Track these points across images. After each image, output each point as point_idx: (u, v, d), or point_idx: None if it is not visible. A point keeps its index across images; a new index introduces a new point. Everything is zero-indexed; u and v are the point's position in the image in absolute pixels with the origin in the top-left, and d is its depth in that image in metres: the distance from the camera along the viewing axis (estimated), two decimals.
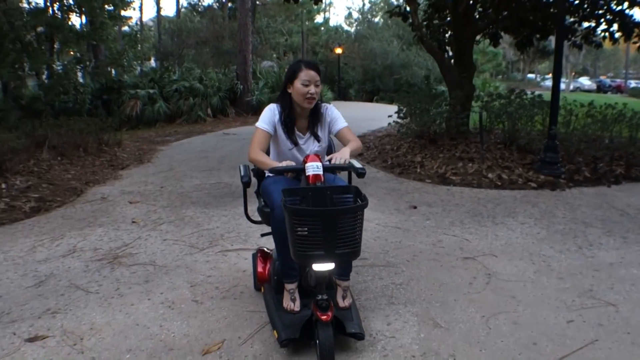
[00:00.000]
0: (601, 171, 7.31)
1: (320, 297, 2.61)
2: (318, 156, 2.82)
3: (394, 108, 10.17)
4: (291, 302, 2.91)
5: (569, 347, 2.82)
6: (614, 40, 9.99)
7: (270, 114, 3.11)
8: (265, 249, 3.44)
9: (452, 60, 10.25)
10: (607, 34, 9.97)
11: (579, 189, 6.69)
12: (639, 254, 4.29)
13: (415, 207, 5.72)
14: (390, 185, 6.89)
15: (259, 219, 3.28)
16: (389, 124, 10.38)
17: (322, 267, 2.54)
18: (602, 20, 9.85)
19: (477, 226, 5.03)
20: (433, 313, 3.19)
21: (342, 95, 29.60)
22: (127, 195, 6.31)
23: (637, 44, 10.01)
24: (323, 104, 3.24)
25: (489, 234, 4.77)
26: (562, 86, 54.69)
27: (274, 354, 2.71)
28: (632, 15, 9.56)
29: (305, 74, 3.00)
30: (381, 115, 12.79)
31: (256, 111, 18.16)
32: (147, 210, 5.64)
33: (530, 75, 64.01)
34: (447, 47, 11.45)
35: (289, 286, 2.95)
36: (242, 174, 3.10)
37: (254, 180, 3.23)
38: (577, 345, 2.83)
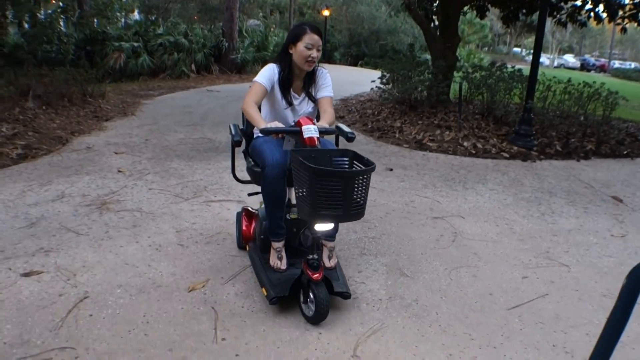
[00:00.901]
0: (572, 146, 7.61)
1: (311, 257, 2.70)
2: (311, 119, 2.89)
3: (377, 73, 10.33)
4: (278, 260, 3.01)
5: (521, 298, 3.12)
6: (599, 20, 10.14)
7: (270, 72, 3.12)
8: (250, 209, 3.52)
9: (438, 30, 10.39)
10: (592, 13, 10.14)
11: (549, 161, 6.98)
12: (596, 223, 4.60)
13: (391, 170, 5.97)
14: (369, 148, 7.10)
15: (247, 178, 3.38)
16: (372, 89, 10.56)
17: (326, 227, 2.64)
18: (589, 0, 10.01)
19: (449, 190, 5.30)
20: (401, 264, 3.47)
21: (327, 58, 29.49)
22: (112, 146, 6.45)
23: (621, 26, 10.19)
24: (319, 68, 3.30)
25: (459, 198, 5.05)
26: (547, 62, 54.80)
27: (253, 293, 2.96)
28: None
29: (310, 38, 3.03)
30: (365, 79, 12.95)
31: (240, 70, 18.13)
32: (133, 161, 5.80)
33: (516, 49, 64.10)
34: (434, 17, 11.55)
35: (276, 244, 3.03)
36: (233, 132, 3.19)
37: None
38: (528, 298, 3.13)
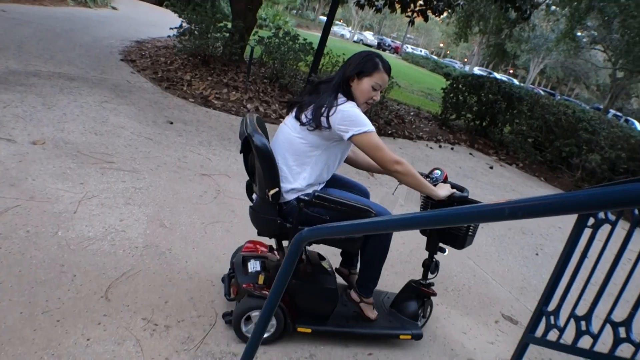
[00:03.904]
0: None
1: (424, 281, 3.02)
2: None
3: (179, 21, 10.20)
4: (376, 311, 2.92)
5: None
6: (393, 10, 11.10)
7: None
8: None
9: None
10: (388, 2, 11.05)
11: None
12: None
13: (171, 123, 6.10)
14: (154, 98, 7.12)
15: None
16: (169, 36, 10.42)
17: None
18: None
19: (222, 149, 5.66)
20: (162, 216, 3.75)
21: None
22: None
23: (410, 19, 11.26)
24: None
25: (230, 157, 5.44)
26: (348, 35, 58.09)
27: (13, 235, 3.00)
28: None
29: (381, 78, 2.53)
30: (166, 23, 12.60)
31: None
32: None
33: (322, 17, 66.48)
34: None
35: (371, 299, 2.89)
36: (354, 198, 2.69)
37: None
38: None
